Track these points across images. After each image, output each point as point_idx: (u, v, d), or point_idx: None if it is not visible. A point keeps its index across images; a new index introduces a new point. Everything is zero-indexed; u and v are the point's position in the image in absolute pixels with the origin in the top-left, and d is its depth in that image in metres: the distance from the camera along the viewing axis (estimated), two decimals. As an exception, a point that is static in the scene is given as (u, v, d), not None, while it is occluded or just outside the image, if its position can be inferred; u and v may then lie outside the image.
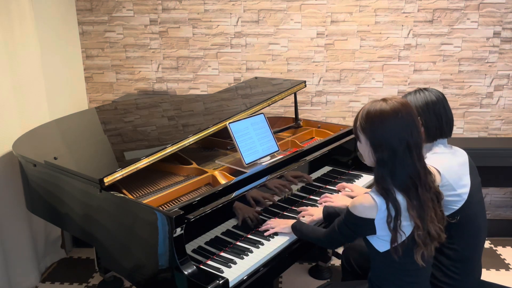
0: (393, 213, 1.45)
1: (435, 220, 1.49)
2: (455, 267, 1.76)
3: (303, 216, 2.02)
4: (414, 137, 1.47)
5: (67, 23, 3.23)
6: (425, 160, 1.67)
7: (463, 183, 1.75)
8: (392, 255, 1.49)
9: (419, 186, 1.47)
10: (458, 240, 1.75)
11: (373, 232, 1.50)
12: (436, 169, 1.70)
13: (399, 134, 1.45)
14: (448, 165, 1.73)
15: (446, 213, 1.73)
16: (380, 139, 1.47)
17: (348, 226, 1.56)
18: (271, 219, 1.96)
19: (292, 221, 1.85)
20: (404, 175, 1.46)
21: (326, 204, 2.08)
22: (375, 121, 1.48)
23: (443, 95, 1.82)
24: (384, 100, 1.51)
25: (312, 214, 1.98)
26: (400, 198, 1.46)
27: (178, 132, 2.25)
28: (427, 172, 1.52)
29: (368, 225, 1.49)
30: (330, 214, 1.91)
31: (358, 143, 1.59)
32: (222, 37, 3.30)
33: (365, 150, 1.56)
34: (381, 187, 1.48)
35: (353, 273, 2.07)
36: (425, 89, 1.83)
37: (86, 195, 1.93)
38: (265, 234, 1.88)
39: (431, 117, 1.77)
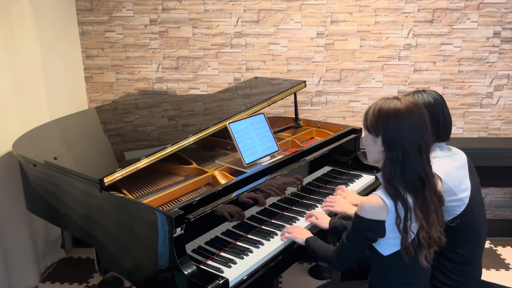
0: (401, 213, 1.44)
1: (436, 223, 1.48)
2: (457, 269, 1.75)
3: (311, 216, 1.99)
4: (424, 140, 1.45)
5: (67, 23, 3.23)
6: None
7: (464, 187, 1.73)
8: (403, 256, 1.47)
9: (427, 187, 1.46)
10: (460, 243, 1.74)
11: (383, 234, 1.48)
12: (436, 174, 1.67)
13: (411, 135, 1.43)
14: (448, 170, 1.71)
15: (448, 218, 1.72)
16: (394, 139, 1.44)
17: (358, 233, 1.52)
18: (293, 225, 1.93)
19: (308, 235, 1.81)
20: (413, 176, 1.45)
21: (328, 208, 2.07)
22: (389, 120, 1.45)
23: (442, 97, 1.78)
24: (397, 98, 1.48)
25: (318, 218, 1.95)
26: (408, 198, 1.45)
27: (178, 132, 2.25)
28: (433, 174, 1.51)
29: (379, 228, 1.47)
30: (337, 228, 1.87)
31: (364, 138, 1.56)
32: (222, 37, 3.30)
33: (371, 146, 1.53)
34: (391, 185, 1.46)
35: (352, 273, 2.06)
36: (423, 90, 1.78)
37: (86, 195, 1.93)
38: (280, 236, 1.86)
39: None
